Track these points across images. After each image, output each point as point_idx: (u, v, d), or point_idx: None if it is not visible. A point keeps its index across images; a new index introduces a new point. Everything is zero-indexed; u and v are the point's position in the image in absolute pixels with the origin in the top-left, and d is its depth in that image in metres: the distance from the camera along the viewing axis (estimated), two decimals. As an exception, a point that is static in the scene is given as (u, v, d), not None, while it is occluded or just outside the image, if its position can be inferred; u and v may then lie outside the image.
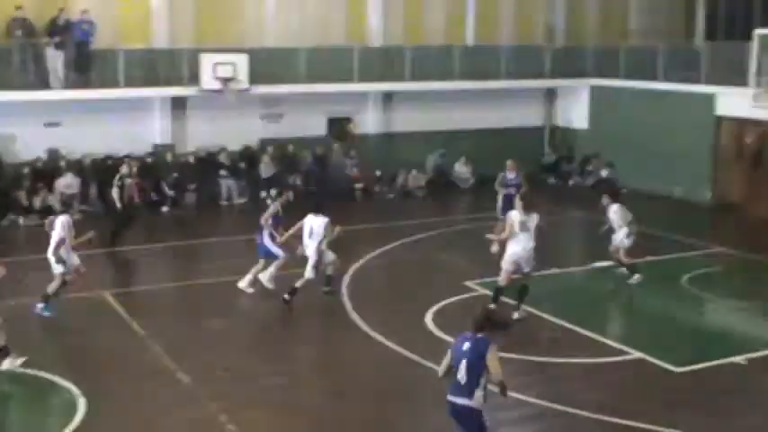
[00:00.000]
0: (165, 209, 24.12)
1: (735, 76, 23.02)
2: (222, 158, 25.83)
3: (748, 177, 24.99)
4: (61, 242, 14.96)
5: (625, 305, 17.38)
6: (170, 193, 24.56)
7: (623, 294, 17.53)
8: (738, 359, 13.70)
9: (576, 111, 30.70)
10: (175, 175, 24.91)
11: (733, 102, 23.84)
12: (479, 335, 8.95)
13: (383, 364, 13.56)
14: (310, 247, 15.81)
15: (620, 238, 17.69)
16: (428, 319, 15.38)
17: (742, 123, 24.60)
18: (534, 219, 15.40)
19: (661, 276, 18.19)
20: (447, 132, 28.79)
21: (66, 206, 16.29)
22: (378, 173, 27.47)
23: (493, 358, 8.84)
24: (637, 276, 17.57)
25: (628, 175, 26.25)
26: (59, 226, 15.05)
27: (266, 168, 26.06)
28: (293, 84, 25.75)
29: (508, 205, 19.21)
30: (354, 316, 15.52)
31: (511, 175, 21.08)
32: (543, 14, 31.43)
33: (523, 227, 15.31)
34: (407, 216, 23.92)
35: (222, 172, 25.63)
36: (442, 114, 28.89)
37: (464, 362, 8.92)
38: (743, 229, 23.42)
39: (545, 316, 15.64)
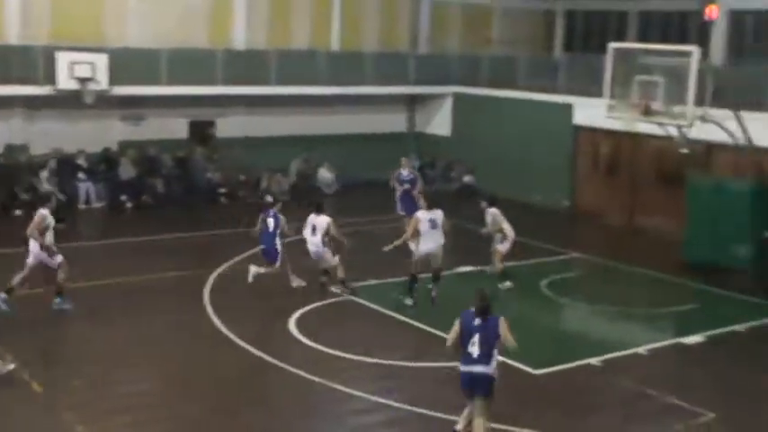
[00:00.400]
0: (18, 212, 23.24)
1: (591, 87, 23.79)
2: (80, 161, 25.18)
3: (604, 186, 25.90)
4: None
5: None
6: (24, 196, 23.74)
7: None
8: (594, 361, 14.22)
9: (439, 117, 31.21)
10: (30, 177, 24.16)
11: (589, 112, 24.58)
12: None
13: (247, 371, 13.47)
14: (313, 243, 16.95)
15: (497, 241, 18.09)
16: (292, 324, 15.38)
17: (597, 133, 25.45)
18: (440, 215, 16.00)
19: (520, 281, 18.67)
20: (311, 137, 28.85)
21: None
22: (242, 177, 27.29)
23: (505, 331, 10.15)
24: (508, 283, 17.96)
25: (489, 182, 26.77)
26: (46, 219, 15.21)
27: (126, 171, 25.55)
28: (154, 86, 25.31)
29: (407, 202, 19.94)
30: (217, 322, 15.38)
31: (404, 172, 21.56)
32: (408, 22, 31.84)
33: (433, 224, 16.02)
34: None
35: (80, 175, 24.97)
36: (306, 119, 28.97)
37: (477, 336, 10.08)
38: (599, 235, 24.25)
39: (408, 320, 15.86)
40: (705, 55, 22.56)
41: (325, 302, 16.74)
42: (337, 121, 29.47)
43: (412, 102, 31.87)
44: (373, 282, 18.07)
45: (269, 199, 18.18)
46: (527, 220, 24.56)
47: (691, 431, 11.87)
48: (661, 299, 18.16)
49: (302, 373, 13.15)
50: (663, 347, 15.20)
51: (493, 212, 17.98)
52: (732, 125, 19.70)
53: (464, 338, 10.16)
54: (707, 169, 22.26)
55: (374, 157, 27.85)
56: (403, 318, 16.00)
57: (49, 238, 15.24)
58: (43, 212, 15.25)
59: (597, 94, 21.72)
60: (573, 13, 33.66)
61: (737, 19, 28.53)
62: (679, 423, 12.10)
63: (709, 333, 15.87)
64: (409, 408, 12.15)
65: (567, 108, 26.47)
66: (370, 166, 27.69)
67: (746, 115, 19.91)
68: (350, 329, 15.47)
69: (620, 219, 24.93)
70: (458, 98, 30.37)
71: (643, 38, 29.56)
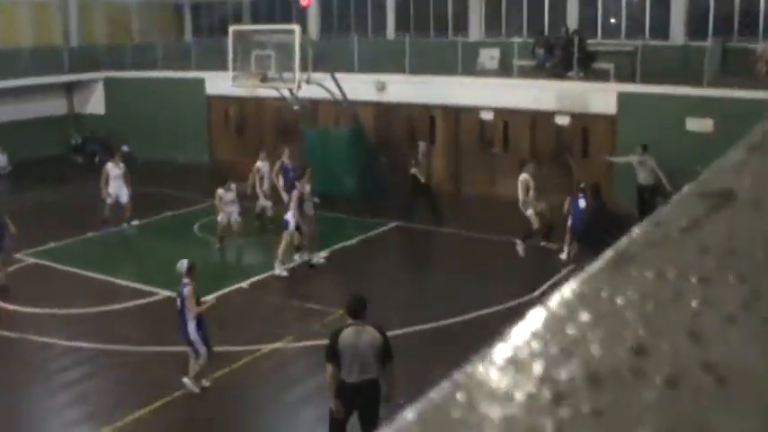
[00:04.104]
0: None
1: (218, 63, 23.59)
2: None
3: (235, 143, 25.96)
4: None
5: (148, 253, 17.23)
6: None
7: (142, 245, 17.48)
8: (244, 284, 14.35)
9: (94, 99, 29.55)
10: None
11: (218, 83, 24.32)
12: None
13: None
14: None
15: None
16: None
17: (227, 100, 25.38)
18: None
19: (177, 227, 18.37)
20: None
21: None
22: None
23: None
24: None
25: (143, 148, 25.92)
26: None
27: None
28: None
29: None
30: None
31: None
32: (59, 18, 29.68)
33: None
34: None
35: None
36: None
37: None
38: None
39: (91, 274, 15.07)
40: (305, 31, 23.11)
41: (9, 269, 15.28)
42: (2, 111, 26.68)
43: (70, 88, 29.80)
44: (53, 244, 16.89)
45: None
46: (176, 175, 24.14)
47: (327, 327, 12.37)
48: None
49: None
50: (297, 266, 15.50)
51: None
52: (330, 85, 20.39)
53: None
54: (315, 122, 22.96)
55: (42, 137, 25.96)
56: (86, 272, 15.17)
57: None
58: None
59: (223, 68, 21.76)
60: (198, 5, 33.25)
61: (326, 2, 29.61)
62: (317, 322, 12.55)
63: (331, 248, 16.51)
64: (100, 346, 11.65)
65: (200, 82, 26.18)
66: (39, 146, 25.83)
67: (340, 76, 20.67)
68: (41, 289, 14.38)
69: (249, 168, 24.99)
70: (109, 82, 28.88)
71: (256, 21, 29.72)
